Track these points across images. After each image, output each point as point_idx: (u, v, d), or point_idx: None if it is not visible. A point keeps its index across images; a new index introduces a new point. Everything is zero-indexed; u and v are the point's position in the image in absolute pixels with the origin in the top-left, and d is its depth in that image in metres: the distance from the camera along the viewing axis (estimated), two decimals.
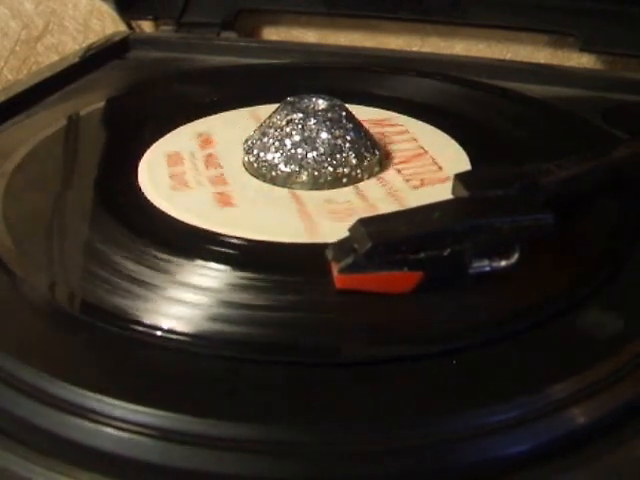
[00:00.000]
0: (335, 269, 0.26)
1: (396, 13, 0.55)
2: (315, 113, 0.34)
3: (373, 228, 0.26)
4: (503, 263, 0.27)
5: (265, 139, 0.34)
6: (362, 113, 0.36)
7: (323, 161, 0.33)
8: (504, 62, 0.54)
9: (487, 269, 0.26)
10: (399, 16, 0.55)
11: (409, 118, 0.40)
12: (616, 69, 0.54)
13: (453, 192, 0.29)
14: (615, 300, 0.27)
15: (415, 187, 0.33)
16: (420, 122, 0.40)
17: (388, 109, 0.41)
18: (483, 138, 0.38)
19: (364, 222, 0.26)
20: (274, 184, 0.33)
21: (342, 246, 0.26)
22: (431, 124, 0.39)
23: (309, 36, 0.60)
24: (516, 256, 0.27)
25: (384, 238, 0.25)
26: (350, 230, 0.26)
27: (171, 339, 0.24)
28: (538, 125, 0.40)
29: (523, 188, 0.28)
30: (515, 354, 0.24)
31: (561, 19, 0.51)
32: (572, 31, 0.51)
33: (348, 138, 0.33)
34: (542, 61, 0.56)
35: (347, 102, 0.35)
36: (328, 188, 0.33)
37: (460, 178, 0.29)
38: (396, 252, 0.25)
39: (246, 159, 0.34)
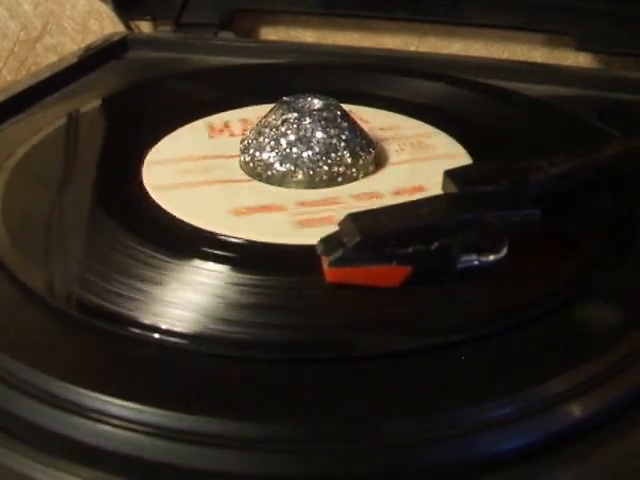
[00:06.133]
0: (325, 263, 0.26)
1: (393, 13, 0.55)
2: (310, 112, 0.34)
3: (362, 222, 0.26)
4: (491, 257, 0.27)
5: (261, 138, 0.34)
6: (360, 113, 0.36)
7: (318, 160, 0.33)
8: (501, 61, 0.54)
9: (475, 263, 0.27)
10: (396, 16, 0.56)
11: (407, 118, 0.40)
12: (612, 68, 0.54)
13: (443, 188, 0.30)
14: (611, 295, 0.27)
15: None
16: (418, 122, 0.40)
17: (385, 109, 0.41)
18: (480, 138, 0.38)
19: (353, 216, 0.26)
20: (270, 183, 0.33)
21: (331, 240, 0.26)
22: (429, 124, 0.39)
23: (307, 36, 0.60)
24: (505, 251, 0.27)
25: (373, 232, 0.26)
26: (340, 224, 0.27)
27: (170, 338, 0.24)
28: (534, 124, 0.41)
29: (512, 184, 0.28)
30: (511, 349, 0.24)
31: (557, 18, 0.52)
32: (568, 30, 0.51)
33: (343, 137, 0.33)
34: (539, 60, 0.56)
35: (344, 102, 0.35)
36: (324, 187, 0.33)
37: (450, 174, 0.29)
38: (385, 246, 0.25)
39: (242, 159, 0.35)
